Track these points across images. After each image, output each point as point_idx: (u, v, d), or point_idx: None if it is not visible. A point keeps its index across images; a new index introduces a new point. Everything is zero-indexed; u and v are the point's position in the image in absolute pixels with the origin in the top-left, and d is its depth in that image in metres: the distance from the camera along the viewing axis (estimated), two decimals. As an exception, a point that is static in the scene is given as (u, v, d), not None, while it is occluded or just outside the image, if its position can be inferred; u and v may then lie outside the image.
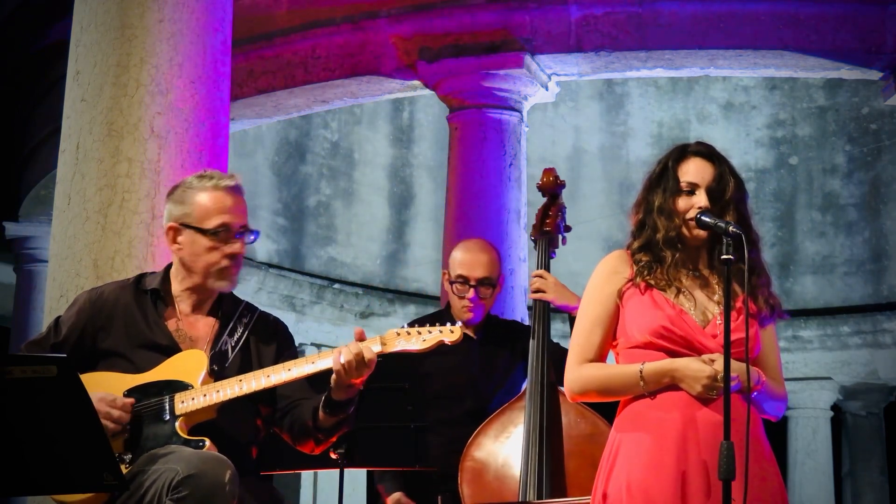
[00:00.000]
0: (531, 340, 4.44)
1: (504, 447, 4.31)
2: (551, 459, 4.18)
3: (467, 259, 4.76)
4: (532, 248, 4.77)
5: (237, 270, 3.62)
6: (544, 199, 4.65)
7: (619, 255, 3.36)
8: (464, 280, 4.72)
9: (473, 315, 4.75)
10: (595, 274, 3.35)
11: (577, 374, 3.29)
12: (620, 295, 3.27)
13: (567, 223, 4.67)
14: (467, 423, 4.50)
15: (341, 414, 3.47)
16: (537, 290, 4.50)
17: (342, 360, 3.38)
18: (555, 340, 4.60)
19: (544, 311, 4.47)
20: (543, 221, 4.60)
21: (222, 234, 3.57)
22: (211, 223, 3.57)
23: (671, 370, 3.17)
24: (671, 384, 3.18)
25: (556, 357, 4.46)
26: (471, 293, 4.72)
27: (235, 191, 3.63)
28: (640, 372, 3.18)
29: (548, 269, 4.55)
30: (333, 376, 3.41)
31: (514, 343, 4.82)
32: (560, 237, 4.64)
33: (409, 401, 4.51)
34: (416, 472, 4.70)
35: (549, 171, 4.69)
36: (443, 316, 4.79)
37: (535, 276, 4.52)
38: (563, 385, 3.39)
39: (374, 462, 4.69)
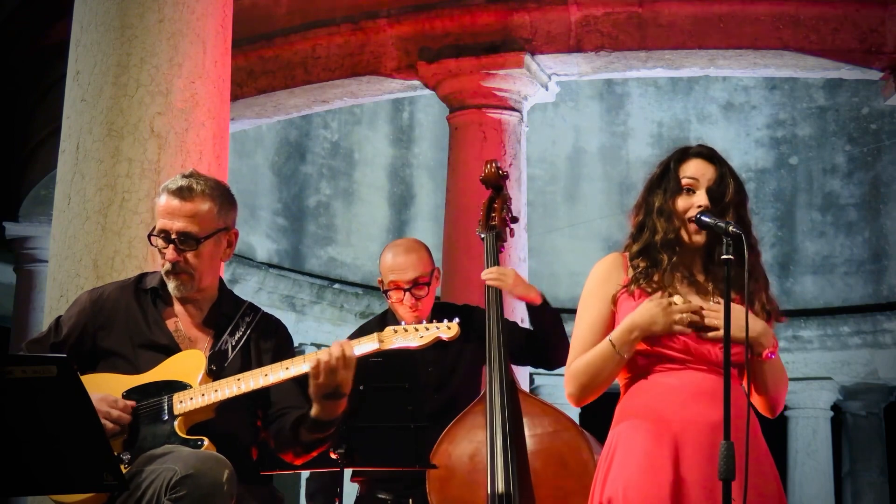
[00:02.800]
0: (486, 343, 4.28)
1: (468, 453, 4.20)
2: (517, 460, 4.09)
3: (396, 264, 4.63)
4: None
5: (186, 278, 3.55)
6: (488, 192, 4.49)
7: (613, 260, 3.33)
8: (396, 286, 4.61)
9: (420, 314, 4.60)
10: (589, 279, 3.32)
11: (568, 374, 3.28)
12: (615, 301, 3.26)
13: (513, 214, 4.49)
14: (434, 422, 4.36)
15: (319, 433, 3.45)
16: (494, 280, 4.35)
17: (319, 358, 3.33)
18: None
19: (498, 310, 4.34)
20: (489, 216, 4.44)
21: (160, 239, 3.55)
22: (155, 227, 3.57)
23: (633, 324, 3.15)
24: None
25: (512, 336, 4.42)
26: (407, 297, 4.59)
27: (178, 194, 3.53)
28: (611, 341, 3.17)
29: (497, 265, 4.42)
30: (311, 388, 3.35)
31: (467, 326, 4.71)
32: (507, 230, 4.50)
33: (409, 401, 4.48)
34: (390, 473, 4.64)
35: (490, 162, 4.54)
36: (386, 318, 4.67)
37: (489, 273, 4.36)
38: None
39: (374, 462, 4.65)
